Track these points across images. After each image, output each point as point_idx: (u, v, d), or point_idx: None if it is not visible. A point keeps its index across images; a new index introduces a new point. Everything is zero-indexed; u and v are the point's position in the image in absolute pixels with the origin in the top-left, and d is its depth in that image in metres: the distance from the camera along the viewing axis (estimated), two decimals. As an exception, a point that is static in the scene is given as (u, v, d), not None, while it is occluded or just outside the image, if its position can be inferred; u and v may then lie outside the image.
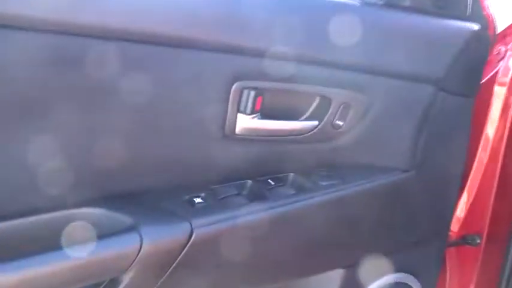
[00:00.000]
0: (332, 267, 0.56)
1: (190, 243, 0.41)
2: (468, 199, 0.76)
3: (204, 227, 0.42)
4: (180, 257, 0.41)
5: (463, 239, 0.79)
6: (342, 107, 0.51)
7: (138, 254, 0.38)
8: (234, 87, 0.45)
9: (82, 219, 0.39)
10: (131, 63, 0.40)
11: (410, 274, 0.68)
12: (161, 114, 0.43)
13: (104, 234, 0.38)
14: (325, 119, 0.51)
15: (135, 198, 0.43)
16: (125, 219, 0.40)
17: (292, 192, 0.49)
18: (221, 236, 0.43)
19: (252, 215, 0.45)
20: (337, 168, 0.53)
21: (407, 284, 0.68)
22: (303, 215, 0.48)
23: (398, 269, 0.64)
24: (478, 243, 0.78)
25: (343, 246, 0.56)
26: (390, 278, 0.63)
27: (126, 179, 0.43)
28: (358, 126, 0.53)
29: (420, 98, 0.56)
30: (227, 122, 0.46)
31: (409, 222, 0.62)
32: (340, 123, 0.52)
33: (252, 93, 0.46)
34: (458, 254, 0.81)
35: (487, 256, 0.80)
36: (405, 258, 0.65)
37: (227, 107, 0.45)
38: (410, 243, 0.65)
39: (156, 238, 0.39)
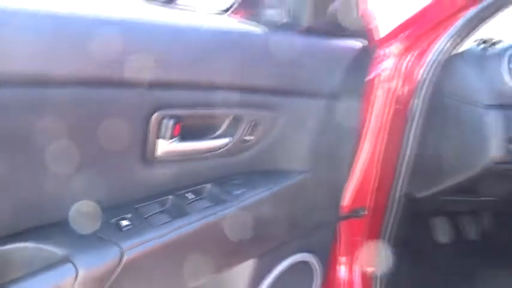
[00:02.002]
0: (246, 259, 0.64)
1: (121, 266, 0.45)
2: (355, 179, 0.89)
3: (132, 248, 0.46)
4: (112, 280, 0.45)
5: (352, 212, 0.93)
6: (251, 124, 0.58)
7: (74, 283, 0.41)
8: (153, 116, 0.49)
9: (11, 256, 0.41)
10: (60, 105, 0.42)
11: (308, 252, 0.80)
12: (87, 145, 0.45)
13: (38, 268, 0.40)
14: (236, 135, 0.57)
15: (63, 227, 0.45)
16: (56, 250, 0.42)
17: (209, 204, 0.55)
18: (149, 255, 0.48)
19: (175, 231, 0.50)
20: (248, 177, 0.61)
21: (307, 261, 0.80)
22: (220, 223, 0.56)
23: (297, 251, 0.75)
24: (364, 214, 0.93)
25: (256, 241, 0.64)
26: (293, 258, 0.74)
27: (52, 209, 0.45)
28: (265, 139, 0.61)
29: (316, 110, 0.65)
30: (148, 148, 0.50)
31: (309, 212, 0.73)
32: (250, 138, 0.59)
33: (171, 121, 0.50)
34: (349, 226, 0.95)
35: (371, 224, 0.95)
36: (304, 240, 0.76)
37: (148, 134, 0.49)
38: (310, 228, 0.76)
39: (90, 266, 0.43)
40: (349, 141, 0.78)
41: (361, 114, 0.81)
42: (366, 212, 0.92)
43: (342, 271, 1.00)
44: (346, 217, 0.92)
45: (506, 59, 0.77)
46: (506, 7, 0.76)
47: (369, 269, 1.00)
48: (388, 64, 0.82)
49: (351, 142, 0.80)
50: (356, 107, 0.76)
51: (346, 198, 0.91)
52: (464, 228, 1.25)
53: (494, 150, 0.76)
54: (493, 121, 0.76)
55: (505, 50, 0.79)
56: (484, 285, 1.17)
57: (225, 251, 0.59)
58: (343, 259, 0.99)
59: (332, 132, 0.71)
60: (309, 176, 0.68)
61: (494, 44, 0.81)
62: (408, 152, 0.84)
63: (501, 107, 0.77)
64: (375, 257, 0.98)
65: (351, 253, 1.00)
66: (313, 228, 0.78)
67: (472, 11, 0.76)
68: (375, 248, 0.98)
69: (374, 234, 0.97)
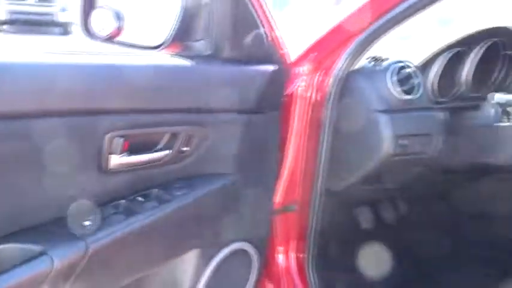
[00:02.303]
0: (190, 249, 0.78)
1: (87, 256, 0.57)
2: (284, 179, 1.03)
3: (95, 242, 0.59)
4: (81, 267, 0.57)
5: (284, 208, 1.09)
6: (187, 137, 0.72)
7: (51, 272, 0.53)
8: (106, 137, 0.62)
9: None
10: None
11: (246, 242, 0.94)
12: (54, 161, 0.57)
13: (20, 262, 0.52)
14: (174, 148, 0.71)
15: (39, 229, 0.57)
16: (34, 247, 0.54)
17: (156, 204, 0.68)
18: (109, 248, 0.61)
19: (129, 227, 0.63)
20: (187, 180, 0.75)
21: (245, 249, 0.94)
22: (166, 220, 0.69)
23: (236, 240, 0.90)
24: (295, 209, 1.07)
25: (197, 233, 0.78)
26: (232, 247, 0.88)
27: (31, 214, 0.57)
28: (199, 149, 0.75)
29: (240, 123, 0.80)
30: (103, 161, 0.63)
31: (241, 207, 0.88)
32: (186, 149, 0.73)
33: (121, 139, 0.63)
34: (283, 219, 1.09)
35: (302, 217, 1.08)
36: (241, 232, 0.91)
37: (102, 151, 0.62)
38: (244, 221, 0.91)
39: (63, 257, 0.55)
40: (273, 147, 0.94)
41: (283, 123, 0.97)
42: (296, 207, 1.07)
43: (280, 259, 1.13)
44: (279, 212, 1.07)
45: (390, 73, 0.96)
46: (393, 29, 0.95)
47: (303, 256, 1.16)
48: (301, 81, 0.99)
49: (275, 148, 0.95)
50: (276, 118, 0.92)
51: (278, 196, 1.06)
52: (382, 214, 1.44)
53: (387, 146, 0.95)
54: (383, 123, 0.95)
55: (390, 65, 0.98)
56: (399, 260, 1.37)
57: (171, 242, 0.72)
58: (280, 248, 1.13)
59: (256, 140, 0.87)
60: (238, 177, 0.83)
61: (382, 61, 1.01)
62: (324, 152, 1.01)
63: (389, 111, 0.96)
64: (308, 245, 1.13)
65: (287, 243, 1.14)
66: (248, 221, 0.92)
67: (364, 34, 0.94)
68: (307, 237, 1.12)
69: (305, 225, 1.11)
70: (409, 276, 1.42)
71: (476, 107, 1.00)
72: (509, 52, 1.10)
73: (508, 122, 0.92)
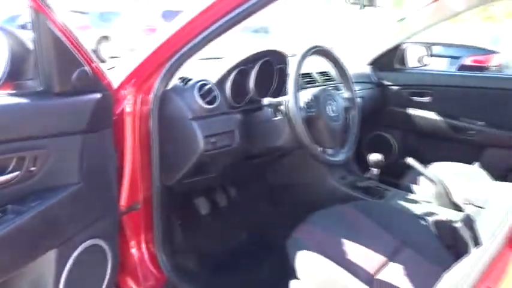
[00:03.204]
0: (49, 249, 0.95)
1: None
2: (126, 182, 1.22)
3: None
4: None
5: (129, 208, 1.29)
6: (32, 159, 0.90)
7: None
8: None
9: None
10: None
11: (100, 239, 1.14)
12: None
13: None
14: (23, 169, 0.88)
15: None
16: None
17: (13, 216, 0.84)
18: None
19: None
20: (40, 193, 0.92)
21: (100, 245, 1.13)
22: (24, 226, 0.85)
23: (89, 238, 1.09)
24: (139, 207, 1.27)
25: (53, 235, 0.95)
26: (86, 244, 1.07)
27: None
28: (46, 166, 0.93)
29: (77, 142, 1.00)
30: None
31: (89, 209, 1.07)
32: (33, 168, 0.90)
33: None
34: (130, 217, 1.28)
35: (147, 213, 1.29)
36: (92, 231, 1.10)
37: None
38: (93, 221, 1.10)
39: None
40: (111, 157, 1.15)
41: (118, 137, 1.18)
42: (140, 205, 1.27)
43: (133, 252, 1.33)
44: (125, 212, 1.28)
45: (195, 90, 1.27)
46: (199, 52, 1.21)
47: (153, 245, 1.35)
48: (127, 102, 1.21)
49: (113, 158, 1.16)
50: (109, 134, 1.13)
51: (122, 198, 1.26)
52: (216, 199, 1.77)
53: (200, 144, 1.26)
54: (195, 127, 1.25)
55: (195, 83, 1.28)
56: (235, 233, 1.71)
57: (31, 245, 0.89)
58: (132, 243, 1.32)
59: (95, 154, 1.07)
60: (84, 185, 1.03)
61: (188, 80, 1.31)
62: (155, 156, 1.25)
63: (198, 118, 1.27)
64: (156, 235, 1.32)
65: (137, 237, 1.32)
66: (98, 221, 1.12)
67: (173, 59, 1.20)
68: (155, 229, 1.32)
69: (151, 219, 1.31)
70: (246, 244, 1.77)
71: (261, 108, 1.38)
72: (280, 66, 1.53)
73: (280, 116, 1.32)
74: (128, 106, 1.21)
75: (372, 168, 1.65)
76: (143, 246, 1.36)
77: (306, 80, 1.71)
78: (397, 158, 2.16)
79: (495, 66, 5.78)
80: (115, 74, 1.23)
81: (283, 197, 1.80)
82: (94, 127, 1.04)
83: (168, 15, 8.33)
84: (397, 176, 1.87)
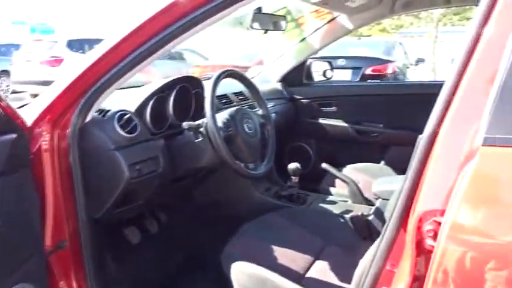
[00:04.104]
0: None
1: None
2: (50, 221, 1.19)
3: None
4: None
5: (55, 247, 1.25)
6: None
7: None
8: None
9: None
10: None
11: (29, 282, 1.09)
12: None
13: None
14: None
15: None
16: None
17: None
18: None
19: None
20: None
21: (28, 288, 1.09)
22: None
23: (17, 282, 1.04)
24: (66, 245, 1.22)
25: None
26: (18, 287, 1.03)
27: None
28: None
29: None
30: None
31: (13, 252, 1.03)
32: None
33: None
34: (58, 256, 1.23)
35: (75, 249, 1.26)
36: (20, 274, 1.06)
37: None
38: (19, 264, 1.06)
39: None
40: (31, 197, 1.12)
41: (39, 174, 1.15)
42: (67, 243, 1.24)
43: (64, 292, 1.30)
44: (52, 251, 1.24)
45: (115, 120, 1.29)
46: (115, 85, 1.23)
47: (85, 282, 1.33)
48: (44, 139, 1.19)
49: (34, 197, 1.13)
50: (28, 173, 1.10)
51: (47, 237, 1.23)
52: (147, 227, 1.76)
53: (125, 173, 1.27)
54: (118, 157, 1.26)
55: (114, 114, 1.30)
56: (168, 256, 1.71)
57: None
58: (61, 282, 1.29)
59: (14, 194, 1.04)
60: (3, 228, 0.99)
61: (107, 112, 1.32)
62: (78, 189, 1.23)
63: (121, 147, 1.28)
64: (87, 271, 1.29)
65: (67, 275, 1.28)
66: (24, 264, 1.08)
67: (89, 93, 1.21)
68: (84, 265, 1.28)
69: (80, 255, 1.27)
70: (182, 267, 1.78)
71: (182, 132, 1.44)
72: (196, 90, 1.60)
73: (201, 138, 1.39)
74: (44, 143, 1.19)
75: (292, 177, 1.78)
76: (74, 284, 1.33)
77: (223, 101, 1.80)
78: (315, 164, 2.33)
79: (391, 73, 6.47)
80: (28, 111, 1.21)
81: (213, 215, 1.86)
82: (11, 168, 1.02)
83: (74, 44, 8.02)
84: (316, 181, 2.03)
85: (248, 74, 2.48)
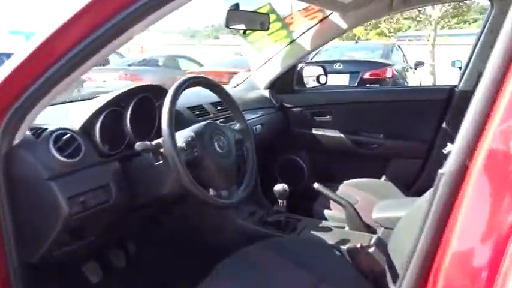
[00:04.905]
0: None
1: None
2: None
3: None
4: None
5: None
6: None
7: None
8: None
9: None
10: None
11: None
12: None
13: None
14: None
15: None
16: None
17: None
18: None
19: None
20: None
21: None
22: None
23: None
24: None
25: None
26: None
27: None
28: None
29: None
30: None
31: None
32: None
33: None
34: None
35: None
36: None
37: None
38: None
39: None
40: None
41: None
42: None
43: None
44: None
45: (51, 142, 1.04)
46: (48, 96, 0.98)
47: None
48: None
49: None
50: None
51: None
52: (111, 261, 1.51)
53: (64, 209, 1.02)
54: (54, 189, 1.01)
55: (50, 134, 1.05)
56: None
57: None
58: None
59: None
60: None
61: (42, 131, 1.07)
62: (6, 229, 0.99)
63: (57, 177, 1.03)
64: None
65: None
66: None
67: (15, 107, 0.96)
68: None
69: None
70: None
71: (140, 153, 1.19)
72: (161, 102, 1.35)
73: (162, 160, 1.14)
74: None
75: (279, 200, 1.53)
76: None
77: (196, 112, 1.55)
78: (308, 180, 2.09)
79: (390, 77, 6.24)
80: None
81: (187, 244, 1.60)
82: None
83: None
84: (310, 199, 1.79)
85: (233, 81, 2.24)
